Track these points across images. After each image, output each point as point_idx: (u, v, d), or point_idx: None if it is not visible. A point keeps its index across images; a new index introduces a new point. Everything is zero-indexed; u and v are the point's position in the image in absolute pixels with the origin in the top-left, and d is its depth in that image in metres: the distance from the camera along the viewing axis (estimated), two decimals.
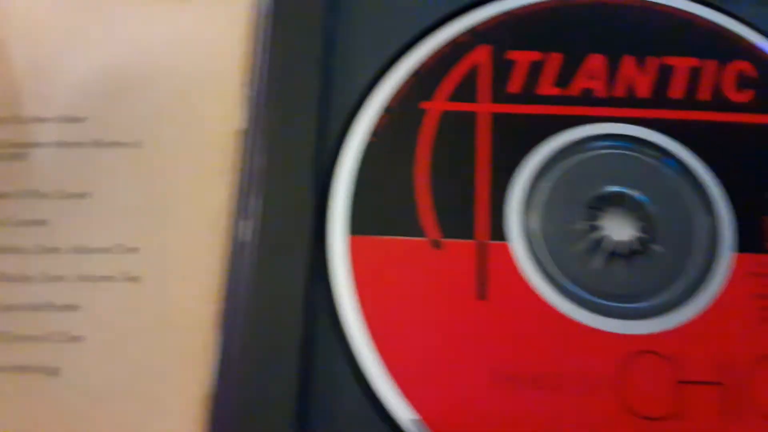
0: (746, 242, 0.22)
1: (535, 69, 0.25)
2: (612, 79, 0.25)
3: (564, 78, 0.25)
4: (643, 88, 0.24)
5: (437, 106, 0.24)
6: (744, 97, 0.24)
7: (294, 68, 0.24)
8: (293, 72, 0.24)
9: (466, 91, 0.24)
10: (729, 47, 0.25)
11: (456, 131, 0.24)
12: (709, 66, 0.25)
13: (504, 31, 0.25)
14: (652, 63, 0.25)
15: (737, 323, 0.21)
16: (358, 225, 0.23)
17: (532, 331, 0.21)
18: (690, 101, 0.24)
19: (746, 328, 0.21)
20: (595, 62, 0.25)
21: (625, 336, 0.21)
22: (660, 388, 0.21)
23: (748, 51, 0.25)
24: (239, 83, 0.25)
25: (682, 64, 0.25)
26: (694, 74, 0.25)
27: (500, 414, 0.20)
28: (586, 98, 0.24)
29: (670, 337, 0.21)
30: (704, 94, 0.24)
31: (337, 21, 0.25)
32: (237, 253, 0.22)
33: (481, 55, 0.25)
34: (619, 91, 0.24)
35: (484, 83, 0.25)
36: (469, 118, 0.24)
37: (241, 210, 0.23)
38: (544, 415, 0.20)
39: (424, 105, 0.24)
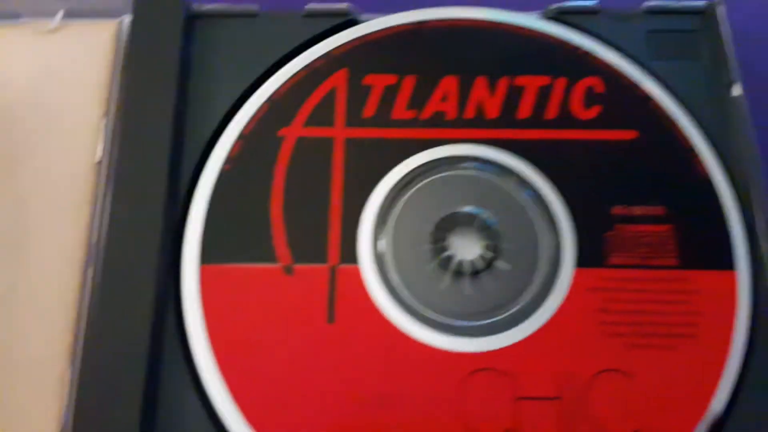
0: (587, 257, 0.23)
1: (390, 93, 0.25)
2: (463, 101, 0.25)
3: (418, 101, 0.25)
4: (493, 109, 0.25)
5: (294, 132, 0.25)
6: (591, 113, 0.25)
7: (149, 99, 0.24)
8: (148, 103, 0.24)
9: (322, 116, 0.25)
10: (580, 64, 0.26)
11: (312, 157, 0.24)
12: (559, 84, 0.26)
13: (360, 56, 0.26)
14: (503, 83, 0.25)
15: (576, 338, 0.22)
16: (211, 253, 0.23)
17: (378, 352, 0.22)
18: (537, 120, 0.25)
19: (585, 342, 0.22)
20: (449, 85, 0.25)
21: (465, 354, 0.22)
22: (498, 404, 0.21)
23: (599, 67, 0.26)
24: (99, 115, 0.25)
25: (532, 84, 0.26)
26: (543, 93, 0.25)
27: None
28: (438, 121, 0.25)
29: (509, 353, 0.22)
30: (552, 112, 0.25)
31: (195, 51, 0.26)
32: (89, 286, 0.23)
33: (338, 80, 0.26)
34: (469, 113, 0.25)
35: (341, 108, 0.25)
36: (325, 143, 0.25)
37: (92, 243, 0.23)
38: None
39: (282, 131, 0.25)
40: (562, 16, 0.27)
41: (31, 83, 0.26)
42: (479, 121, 0.25)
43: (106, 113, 0.25)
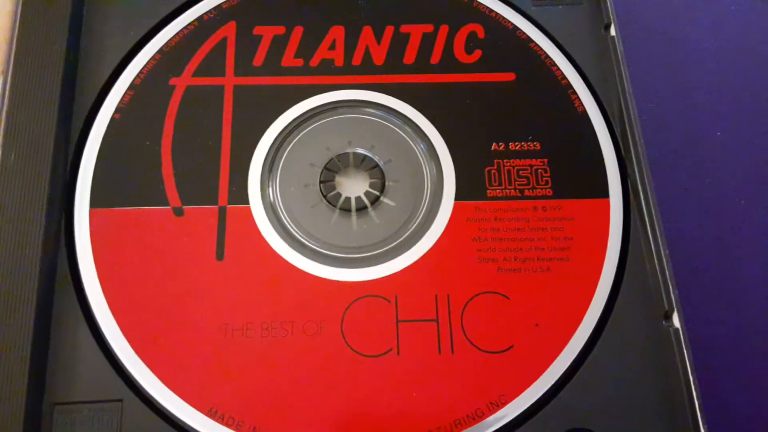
0: (467, 191, 0.24)
1: (279, 42, 0.26)
2: (351, 49, 0.26)
3: (306, 50, 0.26)
4: (379, 55, 0.26)
5: (184, 81, 0.26)
6: (472, 58, 0.26)
7: (39, 53, 0.25)
8: (39, 57, 0.25)
9: (212, 66, 0.26)
10: (462, 12, 0.27)
11: (202, 105, 0.25)
12: (442, 31, 0.27)
13: (249, 8, 0.27)
14: (389, 31, 0.26)
15: (455, 265, 0.23)
16: (101, 198, 0.24)
17: (266, 284, 0.23)
18: (422, 65, 0.26)
19: (463, 269, 0.23)
20: (336, 34, 0.26)
21: (351, 283, 0.23)
22: (381, 327, 0.22)
23: (480, 14, 0.27)
24: None
25: (416, 31, 0.27)
26: (427, 40, 0.26)
27: (233, 363, 0.22)
28: (327, 68, 0.26)
29: (392, 281, 0.23)
30: (435, 57, 0.26)
31: (87, 7, 0.26)
32: None
33: (227, 31, 0.26)
34: (356, 60, 0.26)
35: (230, 58, 0.26)
36: (216, 92, 0.25)
37: None
38: (276, 361, 0.22)
39: (172, 81, 0.26)
40: None
41: None
42: (366, 67, 0.26)
43: (3, 72, 0.26)
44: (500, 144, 0.25)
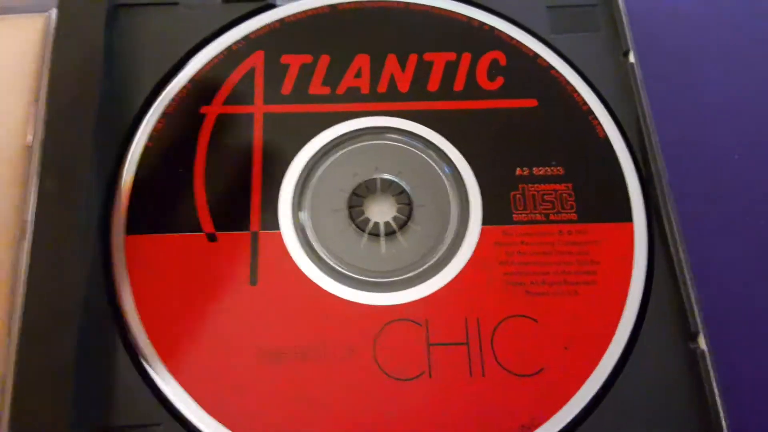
0: (493, 216, 0.25)
1: (307, 71, 0.27)
2: (376, 77, 0.27)
3: (333, 78, 0.27)
4: (404, 83, 0.27)
5: (215, 109, 0.26)
6: (495, 84, 0.27)
7: (75, 83, 0.25)
8: (74, 87, 0.25)
9: (242, 94, 0.26)
10: (483, 40, 0.28)
11: (233, 132, 0.26)
12: (464, 59, 0.27)
13: (276, 38, 0.27)
14: (413, 60, 0.27)
15: (484, 289, 0.24)
16: (137, 225, 0.24)
17: (299, 309, 0.23)
18: (446, 92, 0.27)
19: (492, 292, 0.24)
20: (361, 62, 0.27)
21: (382, 307, 0.24)
22: (412, 351, 0.23)
23: (501, 42, 0.28)
24: (29, 101, 0.26)
25: (439, 59, 0.27)
26: (450, 67, 0.27)
27: (267, 387, 0.22)
28: (353, 95, 0.27)
29: (422, 305, 0.24)
30: (459, 84, 0.27)
31: (119, 38, 0.27)
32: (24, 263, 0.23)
33: (256, 61, 0.27)
34: (382, 88, 0.27)
35: (259, 86, 0.27)
36: (246, 120, 0.26)
37: (25, 221, 0.24)
38: (309, 384, 0.22)
39: (203, 109, 0.26)
40: None
41: None
42: (392, 94, 0.27)
43: (37, 100, 0.26)
44: (524, 169, 0.26)
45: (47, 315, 0.22)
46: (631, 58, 0.27)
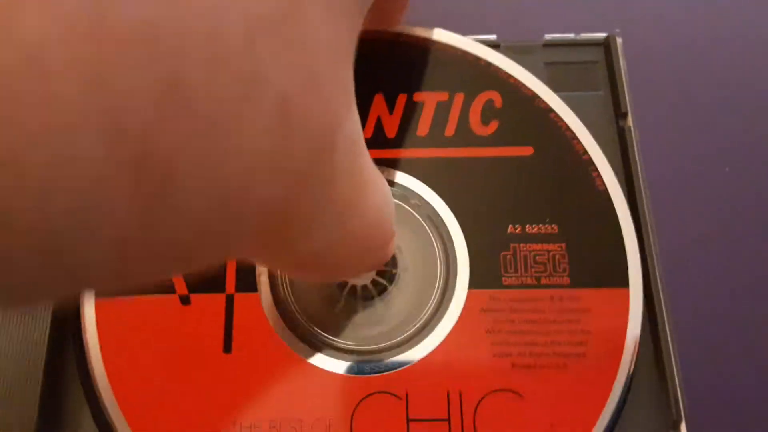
0: (481, 278, 0.24)
1: None
2: (363, 121, 0.25)
3: None
4: (391, 127, 0.25)
5: None
6: (488, 129, 0.25)
7: None
8: None
9: None
10: (479, 77, 0.26)
11: None
12: (457, 99, 0.25)
13: None
14: (401, 100, 0.25)
15: (467, 360, 0.23)
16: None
17: (274, 378, 0.23)
18: (436, 138, 0.25)
19: (476, 364, 0.23)
20: None
21: (361, 378, 0.23)
22: (391, 427, 0.22)
23: (498, 79, 0.26)
24: None
25: (430, 100, 0.25)
26: (442, 109, 0.25)
27: None
28: None
29: (402, 376, 0.23)
30: (450, 129, 0.25)
31: None
32: None
33: None
34: (367, 133, 0.25)
35: None
36: None
37: None
38: None
39: None
40: None
41: None
42: (379, 140, 0.25)
43: None
44: (516, 226, 0.24)
45: (11, 376, 0.21)
46: (628, 122, 0.25)
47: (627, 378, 0.22)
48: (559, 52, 0.26)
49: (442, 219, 0.24)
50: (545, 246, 0.24)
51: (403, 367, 0.23)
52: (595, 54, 0.27)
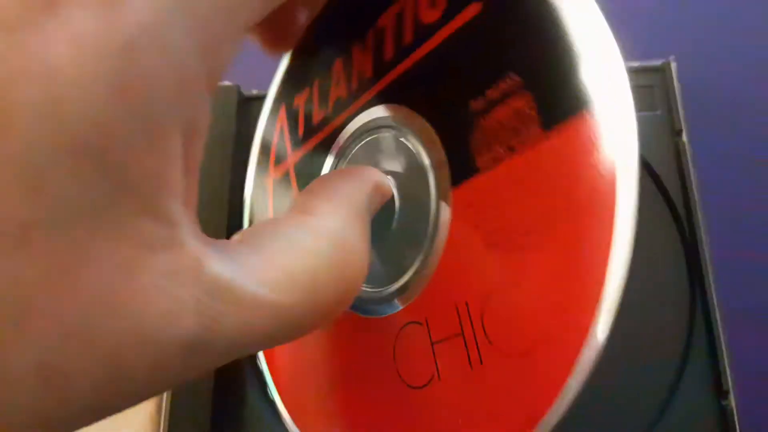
0: (460, 173, 0.21)
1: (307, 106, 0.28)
2: (349, 76, 0.26)
3: (323, 100, 0.27)
4: (367, 67, 0.25)
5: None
6: (435, 14, 0.23)
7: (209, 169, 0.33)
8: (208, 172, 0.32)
9: None
10: None
11: None
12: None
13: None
14: (371, 36, 0.25)
15: (468, 264, 0.21)
16: None
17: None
18: (400, 54, 0.24)
19: (475, 265, 0.21)
20: (338, 70, 0.27)
21: (393, 316, 0.23)
22: (421, 354, 0.22)
23: None
24: None
25: (389, 17, 0.24)
26: (398, 20, 0.24)
27: None
28: (340, 106, 0.26)
29: (420, 302, 0.22)
30: (408, 36, 0.24)
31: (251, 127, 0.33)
32: None
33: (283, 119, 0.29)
34: (354, 84, 0.26)
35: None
36: None
37: None
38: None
39: None
40: None
41: None
42: (364, 84, 0.25)
43: None
44: (478, 100, 0.21)
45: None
46: (684, 138, 0.29)
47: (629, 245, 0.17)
48: None
49: (416, 133, 0.23)
50: (510, 105, 0.20)
51: (419, 293, 0.22)
52: (652, 78, 0.31)
